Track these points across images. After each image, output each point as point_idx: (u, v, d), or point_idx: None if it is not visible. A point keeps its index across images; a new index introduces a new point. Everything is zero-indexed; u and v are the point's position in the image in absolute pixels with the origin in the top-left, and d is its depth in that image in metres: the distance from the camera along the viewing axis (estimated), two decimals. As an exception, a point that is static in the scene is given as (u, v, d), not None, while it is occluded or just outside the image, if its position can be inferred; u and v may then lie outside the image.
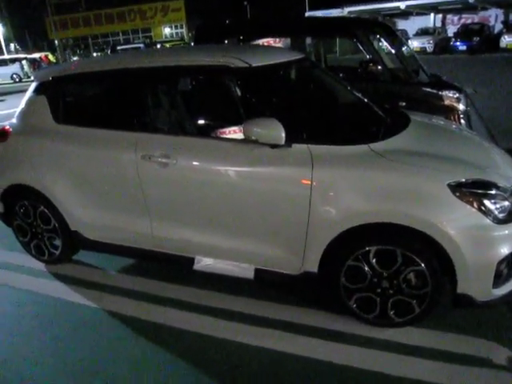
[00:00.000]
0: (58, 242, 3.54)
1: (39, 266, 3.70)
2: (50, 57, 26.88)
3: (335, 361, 2.46)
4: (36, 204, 3.47)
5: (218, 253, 2.93)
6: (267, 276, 2.82)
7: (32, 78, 3.80)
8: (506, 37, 22.24)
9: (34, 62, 25.38)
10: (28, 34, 44.28)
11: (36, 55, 26.43)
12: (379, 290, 2.56)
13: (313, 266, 2.63)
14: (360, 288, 2.60)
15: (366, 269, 2.53)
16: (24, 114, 3.51)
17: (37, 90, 3.43)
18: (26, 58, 25.53)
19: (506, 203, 2.36)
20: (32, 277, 3.57)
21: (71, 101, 3.56)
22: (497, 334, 2.58)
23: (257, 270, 2.82)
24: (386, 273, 2.50)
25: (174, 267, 3.44)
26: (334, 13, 29.39)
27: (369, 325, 2.69)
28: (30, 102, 3.47)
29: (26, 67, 24.93)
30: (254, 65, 2.73)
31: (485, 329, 2.63)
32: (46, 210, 3.43)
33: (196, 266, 2.98)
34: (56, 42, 38.17)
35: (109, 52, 26.58)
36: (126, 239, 3.25)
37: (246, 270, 2.84)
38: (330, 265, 2.61)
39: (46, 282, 3.47)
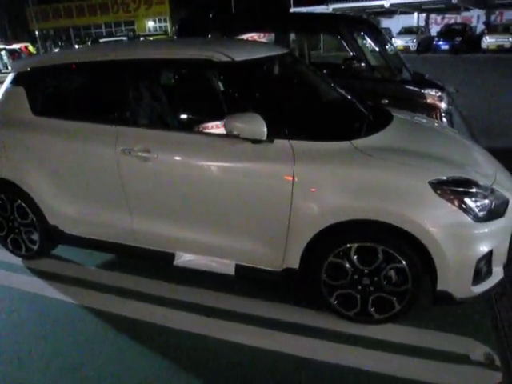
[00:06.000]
0: (35, 237, 3.47)
1: (16, 261, 3.62)
2: (31, 48, 26.25)
3: (315, 357, 2.46)
4: (13, 197, 3.39)
5: (199, 248, 2.90)
6: (248, 272, 2.80)
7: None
8: (487, 38, 22.54)
9: (13, 53, 24.75)
10: (8, 24, 43.28)
11: (16, 46, 25.80)
12: (360, 287, 2.56)
13: (294, 263, 2.62)
14: (341, 285, 2.60)
15: (347, 265, 2.53)
16: (1, 106, 3.41)
17: (14, 81, 3.34)
18: (5, 49, 24.89)
19: (486, 201, 2.38)
20: (9, 272, 3.49)
21: (50, 92, 3.49)
22: (475, 330, 2.61)
23: (237, 266, 2.80)
24: (366, 270, 2.51)
25: (155, 263, 3.40)
26: (319, 10, 29.41)
27: (349, 321, 2.69)
28: (7, 93, 3.38)
29: (5, 58, 24.30)
30: (236, 59, 2.70)
31: (463, 326, 2.66)
32: (23, 204, 3.36)
33: (176, 262, 2.95)
34: (37, 32, 37.38)
35: (89, 44, 26.16)
36: (105, 234, 3.20)
37: (226, 266, 2.82)
38: (311, 261, 2.60)
39: (24, 278, 3.40)
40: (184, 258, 2.94)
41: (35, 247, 3.51)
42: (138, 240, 3.07)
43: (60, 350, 2.62)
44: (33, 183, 3.24)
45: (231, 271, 2.81)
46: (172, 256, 2.97)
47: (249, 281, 3.12)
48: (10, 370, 2.50)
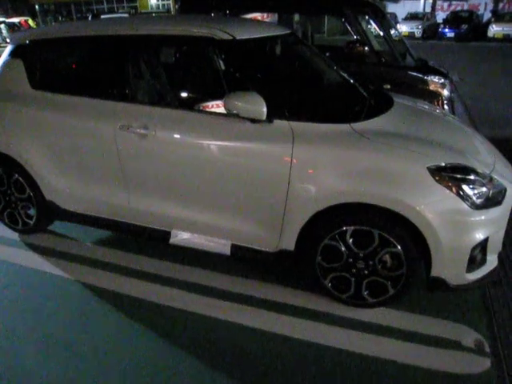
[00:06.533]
0: (32, 212, 3.47)
1: (13, 235, 3.63)
2: (30, 22, 25.84)
3: (308, 339, 2.48)
4: (10, 172, 3.37)
5: (195, 227, 2.90)
6: (243, 252, 2.81)
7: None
8: (494, 26, 22.22)
9: (12, 27, 24.38)
10: (8, -3, 42.51)
11: (15, 20, 25.42)
12: (354, 270, 2.57)
13: (289, 244, 2.63)
14: (336, 267, 2.61)
15: (343, 249, 2.53)
16: (-1, 78, 3.37)
17: (13, 54, 3.30)
18: (4, 22, 24.50)
19: (484, 189, 2.38)
20: (5, 246, 3.50)
21: (49, 66, 3.43)
22: (467, 317, 2.64)
23: (233, 246, 2.81)
24: (362, 253, 2.51)
25: (151, 241, 3.40)
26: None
27: (343, 304, 2.71)
28: (5, 66, 3.33)
29: (4, 32, 23.94)
30: (238, 37, 2.66)
31: (456, 312, 2.68)
32: (20, 179, 3.34)
33: (172, 240, 2.96)
34: (36, 6, 36.79)
35: (89, 19, 25.79)
36: (102, 211, 3.19)
37: (222, 246, 2.83)
38: (306, 243, 2.61)
39: (20, 252, 3.41)
40: (180, 237, 2.94)
41: (32, 222, 3.51)
42: (135, 217, 3.07)
43: (54, 326, 2.63)
44: (30, 158, 3.22)
45: (227, 251, 2.82)
46: (168, 234, 2.97)
47: (244, 261, 3.13)
48: (3, 344, 2.51)
